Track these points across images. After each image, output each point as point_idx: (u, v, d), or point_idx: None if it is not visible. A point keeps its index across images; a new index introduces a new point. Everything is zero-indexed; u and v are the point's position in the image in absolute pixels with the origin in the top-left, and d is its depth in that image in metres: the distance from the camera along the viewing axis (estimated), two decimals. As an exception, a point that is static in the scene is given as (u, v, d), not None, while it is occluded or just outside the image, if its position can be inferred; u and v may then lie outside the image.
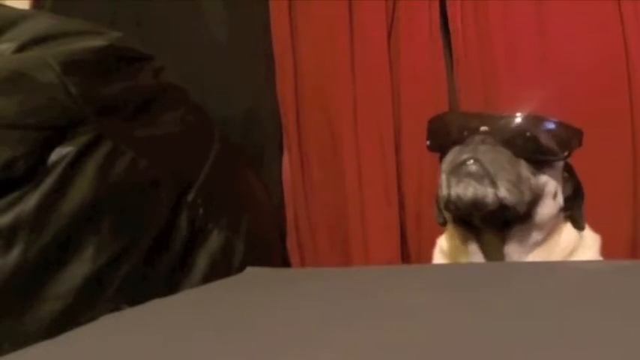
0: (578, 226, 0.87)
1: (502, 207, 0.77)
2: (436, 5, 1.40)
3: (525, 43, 1.36)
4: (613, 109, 1.31)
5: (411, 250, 1.43)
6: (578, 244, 0.86)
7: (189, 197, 1.07)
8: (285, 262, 1.46)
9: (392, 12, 1.43)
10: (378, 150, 1.42)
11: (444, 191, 0.79)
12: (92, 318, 0.59)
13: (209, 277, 1.04)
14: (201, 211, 1.08)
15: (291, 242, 1.49)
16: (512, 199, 0.77)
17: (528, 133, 0.82)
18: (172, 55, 1.32)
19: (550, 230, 0.84)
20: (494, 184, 0.76)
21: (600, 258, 0.87)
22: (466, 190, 0.77)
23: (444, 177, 0.80)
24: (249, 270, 0.79)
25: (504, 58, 1.36)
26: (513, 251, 0.82)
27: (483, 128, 0.80)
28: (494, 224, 0.81)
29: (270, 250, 1.36)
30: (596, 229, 0.91)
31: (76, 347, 0.50)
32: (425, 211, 1.41)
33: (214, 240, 1.10)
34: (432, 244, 0.97)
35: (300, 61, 1.47)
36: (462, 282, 0.62)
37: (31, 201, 0.85)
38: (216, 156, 1.19)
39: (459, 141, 0.81)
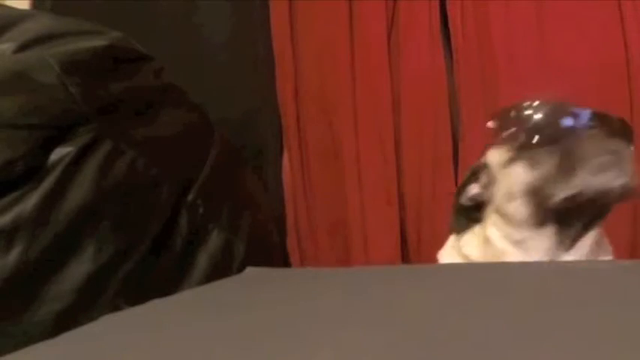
0: None
1: (622, 195, 0.79)
2: (436, 5, 1.40)
3: (525, 43, 1.36)
4: (613, 109, 1.30)
5: (411, 250, 1.43)
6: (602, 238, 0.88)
7: (189, 197, 1.07)
8: (285, 262, 1.46)
9: (392, 12, 1.43)
10: (378, 150, 1.42)
11: (581, 181, 0.78)
12: (92, 318, 0.58)
13: (209, 277, 1.04)
14: (201, 211, 1.08)
15: (291, 242, 1.49)
16: (634, 187, 0.79)
17: (623, 128, 0.84)
18: (172, 56, 1.32)
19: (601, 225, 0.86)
20: (628, 174, 0.78)
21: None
22: (610, 180, 0.77)
23: (585, 169, 0.78)
24: (249, 270, 0.79)
25: (504, 58, 1.36)
26: (586, 244, 0.83)
27: (589, 123, 0.81)
28: (583, 218, 0.82)
29: (270, 250, 1.36)
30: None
31: (76, 347, 0.50)
32: (425, 211, 1.41)
33: (214, 240, 1.10)
34: (432, 244, 0.97)
35: (300, 61, 1.47)
36: (462, 282, 0.62)
37: (31, 201, 0.85)
38: (216, 156, 1.19)
39: (561, 135, 0.82)
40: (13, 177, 0.84)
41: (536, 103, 0.85)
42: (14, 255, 0.82)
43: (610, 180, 0.77)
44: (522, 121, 0.85)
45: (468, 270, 0.75)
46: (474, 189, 0.88)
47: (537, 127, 0.83)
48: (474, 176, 0.89)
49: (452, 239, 0.94)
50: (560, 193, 0.80)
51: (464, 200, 0.89)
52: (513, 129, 0.85)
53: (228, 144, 1.28)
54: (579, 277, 0.61)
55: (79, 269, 0.88)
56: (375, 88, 1.42)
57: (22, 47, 0.95)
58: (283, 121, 1.49)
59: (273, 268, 0.87)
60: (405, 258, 1.43)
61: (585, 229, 0.82)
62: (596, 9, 1.33)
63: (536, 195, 0.81)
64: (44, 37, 0.97)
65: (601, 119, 0.83)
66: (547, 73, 1.34)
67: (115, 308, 0.86)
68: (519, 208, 0.83)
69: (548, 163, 0.81)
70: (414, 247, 1.42)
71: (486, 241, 0.87)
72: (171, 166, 1.06)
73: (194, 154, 1.15)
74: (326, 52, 1.45)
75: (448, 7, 1.39)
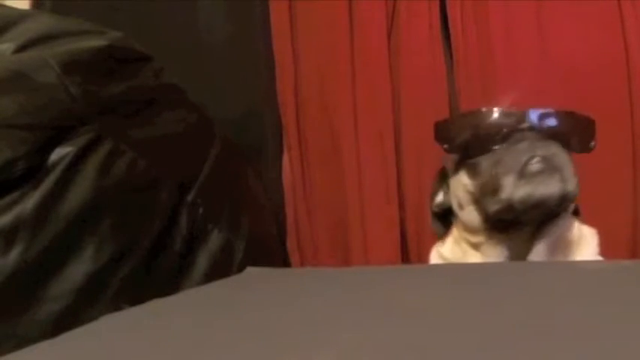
0: (577, 213, 0.87)
1: (562, 202, 0.76)
2: (436, 5, 1.40)
3: (525, 44, 1.36)
4: (613, 109, 1.31)
5: (411, 250, 1.43)
6: (580, 238, 0.85)
7: (189, 197, 1.07)
8: (285, 262, 1.46)
9: (392, 12, 1.43)
10: (378, 150, 1.42)
11: (508, 193, 0.75)
12: (92, 318, 0.58)
13: (209, 277, 1.04)
14: (201, 211, 1.08)
15: (290, 242, 1.49)
16: (575, 192, 0.76)
17: (565, 127, 0.80)
18: (172, 55, 1.32)
19: (565, 225, 0.83)
20: (563, 179, 0.75)
21: (598, 252, 0.87)
22: (537, 188, 0.74)
23: (509, 179, 0.75)
24: (249, 270, 0.79)
25: (504, 58, 1.36)
26: (541, 249, 0.80)
27: (525, 125, 0.77)
28: (531, 223, 0.79)
29: (270, 250, 1.36)
30: (596, 228, 0.91)
31: (76, 347, 0.50)
32: (425, 211, 1.41)
33: (214, 240, 1.10)
34: (432, 244, 0.97)
35: (300, 61, 1.47)
36: (462, 282, 0.62)
37: (31, 201, 0.84)
38: (216, 156, 1.19)
39: (496, 141, 0.78)
40: (13, 177, 0.84)
41: (476, 110, 0.82)
42: (14, 255, 0.82)
43: (538, 189, 0.74)
44: (462, 130, 0.83)
45: (467, 270, 0.75)
46: (439, 196, 0.88)
47: (476, 135, 0.81)
48: (439, 183, 0.88)
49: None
50: (491, 207, 0.77)
51: (434, 207, 0.89)
52: (447, 141, 0.83)
53: (229, 144, 1.28)
54: (579, 276, 0.61)
55: (79, 269, 0.88)
56: (375, 88, 1.42)
57: (22, 47, 0.95)
58: (283, 121, 1.49)
59: (273, 268, 0.87)
60: (405, 258, 1.42)
61: (539, 232, 0.79)
62: (596, 9, 1.33)
63: (479, 204, 0.80)
64: (44, 37, 0.97)
65: (565, 118, 0.80)
66: (547, 73, 1.34)
67: (115, 308, 0.86)
68: (470, 215, 0.82)
69: (483, 174, 0.78)
70: (414, 247, 1.42)
71: (456, 240, 0.88)
72: (171, 166, 1.06)
73: (194, 154, 1.15)
74: (326, 52, 1.45)
75: (448, 7, 1.39)
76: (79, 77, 0.93)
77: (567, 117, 0.81)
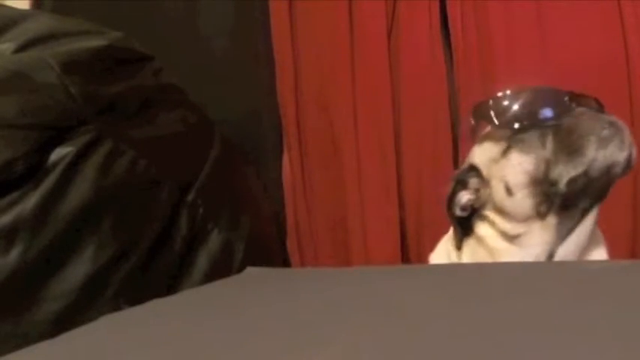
0: None
1: (627, 167, 0.78)
2: (436, 5, 1.40)
3: (525, 44, 1.36)
4: (613, 109, 1.30)
5: (411, 250, 1.43)
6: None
7: (189, 197, 1.07)
8: (285, 262, 1.47)
9: (392, 12, 1.43)
10: (378, 150, 1.42)
11: (592, 156, 0.76)
12: (92, 318, 0.59)
13: (209, 277, 1.04)
14: (201, 211, 1.08)
15: (290, 242, 1.49)
16: (636, 158, 0.78)
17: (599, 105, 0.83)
18: (173, 55, 1.32)
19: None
20: (630, 144, 0.77)
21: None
22: (615, 152, 0.76)
23: (592, 142, 0.76)
24: (249, 270, 0.79)
25: (504, 57, 1.36)
26: (591, 234, 0.81)
27: (573, 104, 0.80)
28: (584, 202, 0.79)
29: (270, 250, 1.36)
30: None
31: (76, 347, 0.50)
32: (425, 211, 1.41)
33: (214, 240, 1.10)
34: (431, 244, 0.97)
35: (300, 61, 1.47)
36: (462, 282, 0.62)
37: (31, 201, 0.85)
38: (216, 156, 1.19)
39: (549, 115, 0.80)
40: (13, 177, 0.84)
41: (512, 90, 0.83)
42: (14, 255, 0.82)
43: (615, 152, 0.76)
44: (505, 110, 0.82)
45: (468, 270, 0.75)
46: (464, 197, 0.85)
47: (524, 112, 0.81)
48: (460, 184, 0.86)
49: (443, 242, 0.93)
50: (566, 175, 0.77)
51: (458, 212, 0.86)
52: (494, 121, 0.81)
53: (228, 144, 1.28)
54: (579, 277, 0.61)
55: (79, 269, 0.88)
56: (375, 87, 1.42)
57: (22, 47, 0.95)
58: (283, 121, 1.49)
59: (273, 268, 0.87)
60: (405, 258, 1.43)
61: (583, 215, 0.80)
62: (596, 9, 1.33)
63: (540, 183, 0.78)
64: (44, 37, 0.97)
65: (577, 97, 0.82)
66: (547, 73, 1.34)
67: (115, 308, 0.86)
68: (523, 200, 0.80)
69: (546, 146, 0.78)
70: (414, 247, 1.42)
71: (479, 240, 0.85)
72: (171, 166, 1.06)
73: (194, 154, 1.16)
74: (326, 51, 1.45)
75: (448, 7, 1.39)
76: (78, 77, 0.93)
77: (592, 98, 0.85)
